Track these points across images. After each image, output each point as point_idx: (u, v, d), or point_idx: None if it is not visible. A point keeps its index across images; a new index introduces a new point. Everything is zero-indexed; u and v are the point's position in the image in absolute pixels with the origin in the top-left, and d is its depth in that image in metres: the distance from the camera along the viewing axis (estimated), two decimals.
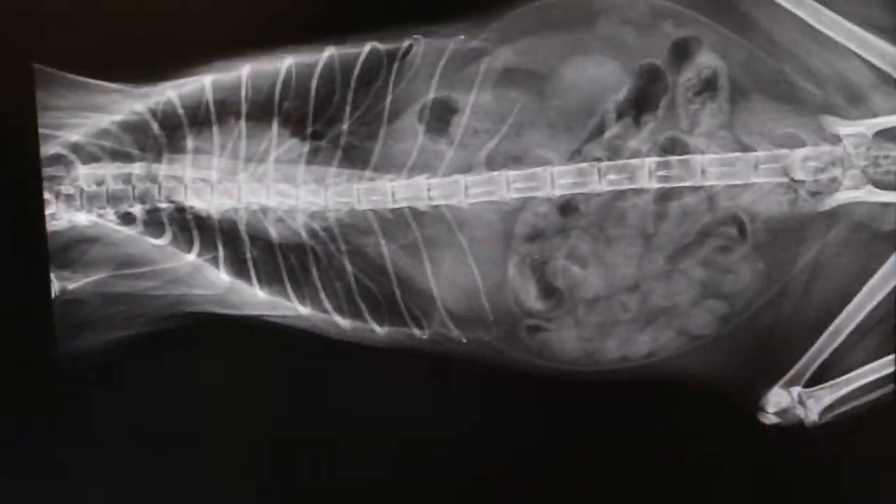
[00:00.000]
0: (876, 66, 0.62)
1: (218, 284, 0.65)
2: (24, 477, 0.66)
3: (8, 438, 0.65)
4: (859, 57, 0.62)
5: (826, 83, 0.62)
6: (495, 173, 0.63)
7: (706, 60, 0.62)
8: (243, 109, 0.64)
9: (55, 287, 0.64)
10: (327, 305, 0.64)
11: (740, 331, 0.64)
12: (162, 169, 0.64)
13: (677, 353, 0.64)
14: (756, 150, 0.62)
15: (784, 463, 0.65)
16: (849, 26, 0.61)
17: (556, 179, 0.63)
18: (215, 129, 0.64)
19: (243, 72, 0.63)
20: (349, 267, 0.64)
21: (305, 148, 0.64)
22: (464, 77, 0.63)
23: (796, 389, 0.64)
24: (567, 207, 0.63)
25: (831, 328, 0.64)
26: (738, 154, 0.62)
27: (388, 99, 0.63)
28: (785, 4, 0.62)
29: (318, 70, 0.63)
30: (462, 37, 0.63)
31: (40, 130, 0.63)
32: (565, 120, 0.63)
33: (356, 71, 0.63)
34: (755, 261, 0.63)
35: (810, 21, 0.62)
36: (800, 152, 0.62)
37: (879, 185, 0.62)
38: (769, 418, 0.64)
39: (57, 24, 0.62)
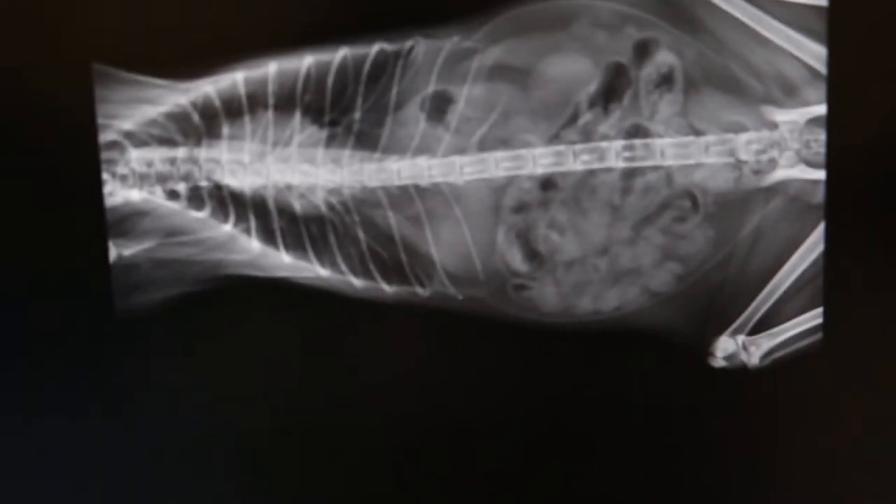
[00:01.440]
0: (807, 64, 0.67)
1: (250, 250, 0.69)
2: (89, 415, 0.71)
3: (73, 383, 0.70)
4: (793, 55, 0.67)
5: (766, 78, 0.67)
6: (486, 154, 0.68)
7: (663, 58, 0.67)
8: (270, 101, 0.68)
9: (113, 254, 0.68)
10: (343, 268, 0.69)
11: (694, 288, 0.69)
12: (202, 152, 0.68)
13: (640, 307, 0.69)
14: (706, 135, 0.67)
15: (730, 401, 0.70)
16: (785, 29, 0.66)
17: (538, 160, 0.68)
18: (247, 118, 0.68)
19: (270, 69, 0.67)
20: (362, 235, 0.69)
21: (324, 134, 0.68)
22: (458, 72, 0.67)
23: (741, 337, 0.69)
24: (547, 183, 0.68)
25: (770, 285, 0.68)
26: (691, 138, 0.67)
27: (394, 92, 0.67)
28: (730, 10, 0.66)
29: (334, 67, 0.67)
30: (457, 38, 0.67)
31: (98, 120, 0.67)
32: (545, 109, 0.67)
33: (366, 68, 0.67)
34: (706, 229, 0.68)
35: (752, 24, 0.66)
36: (744, 136, 0.67)
37: (810, 164, 0.68)
38: (718, 362, 0.70)
39: (113, 28, 0.66)
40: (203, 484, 0.73)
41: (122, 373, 0.71)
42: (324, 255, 0.70)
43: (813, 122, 0.68)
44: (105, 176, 0.69)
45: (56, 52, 0.67)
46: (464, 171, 0.69)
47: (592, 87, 0.68)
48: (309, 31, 0.67)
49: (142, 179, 0.69)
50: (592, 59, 0.68)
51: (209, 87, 0.68)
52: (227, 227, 0.70)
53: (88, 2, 0.67)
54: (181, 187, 0.69)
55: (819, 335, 0.70)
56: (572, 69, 0.68)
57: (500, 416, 0.71)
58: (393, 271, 0.70)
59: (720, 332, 0.70)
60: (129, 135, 0.69)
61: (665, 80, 0.68)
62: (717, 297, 0.69)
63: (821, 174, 0.68)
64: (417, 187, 0.69)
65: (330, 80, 0.68)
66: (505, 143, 0.68)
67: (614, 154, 0.68)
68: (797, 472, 0.72)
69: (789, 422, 0.71)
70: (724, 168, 0.68)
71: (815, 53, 0.67)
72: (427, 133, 0.68)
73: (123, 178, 0.69)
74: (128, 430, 0.72)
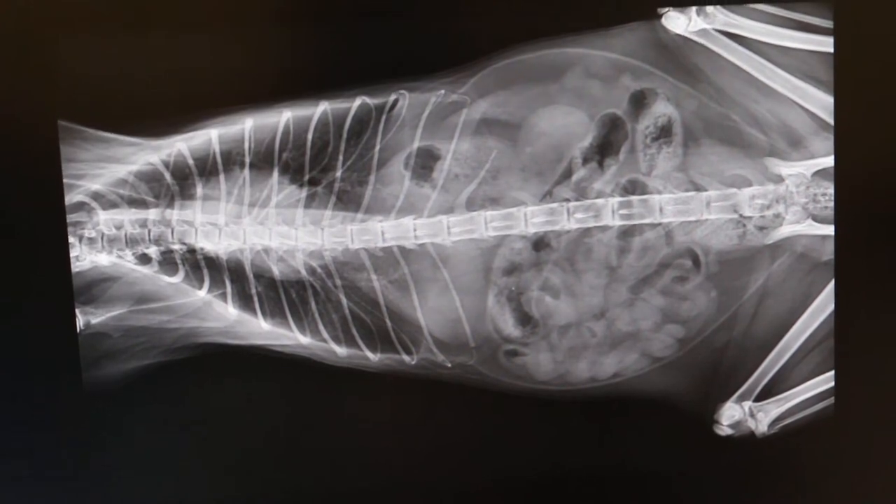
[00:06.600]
0: (814, 114, 0.66)
1: (226, 317, 0.67)
2: (49, 492, 0.68)
3: (37, 457, 0.68)
4: (799, 105, 0.65)
5: (770, 129, 0.66)
6: (475, 214, 0.66)
7: (661, 109, 0.66)
8: (247, 159, 0.66)
9: (80, 322, 0.66)
10: (325, 335, 0.67)
11: (696, 352, 0.67)
12: (174, 214, 0.67)
13: (640, 373, 0.68)
14: (708, 190, 0.66)
15: (737, 470, 0.68)
16: (789, 78, 0.65)
17: (530, 219, 0.66)
18: (222, 177, 0.67)
19: (246, 125, 0.66)
20: (344, 300, 0.67)
21: (303, 193, 0.66)
22: (445, 127, 0.66)
23: (747, 403, 0.68)
24: (540, 243, 0.67)
25: (778, 348, 0.67)
26: (691, 193, 0.66)
27: (377, 148, 0.66)
28: (731, 58, 0.65)
29: (313, 123, 0.66)
30: (442, 91, 0.65)
31: (64, 180, 0.65)
32: (537, 165, 0.66)
33: (348, 123, 0.66)
34: (709, 289, 0.67)
35: (755, 74, 0.65)
36: (747, 191, 0.66)
37: (818, 219, 0.66)
38: (723, 430, 0.68)
39: (79, 84, 0.65)
40: None
41: (90, 448, 0.68)
42: (304, 322, 0.68)
43: (820, 174, 0.67)
44: (72, 239, 0.67)
45: (20, 108, 0.65)
46: (451, 231, 0.67)
47: (587, 142, 0.67)
48: (287, 84, 0.66)
49: (111, 243, 0.67)
50: (586, 111, 0.66)
51: (182, 145, 0.67)
52: (202, 293, 0.68)
53: (53, 55, 0.65)
54: (153, 251, 0.68)
55: (830, 401, 0.68)
56: (565, 122, 0.66)
57: (493, 490, 0.69)
58: (377, 338, 0.68)
59: (725, 398, 0.68)
60: (97, 195, 0.67)
61: (663, 133, 0.66)
62: (722, 361, 0.68)
63: (830, 230, 0.67)
64: (402, 249, 0.67)
65: (309, 136, 0.66)
66: (495, 201, 0.67)
67: (611, 211, 0.67)
68: None
69: (799, 493, 0.69)
70: (726, 225, 0.67)
71: (821, 103, 0.66)
72: (412, 191, 0.67)
73: (91, 242, 0.67)
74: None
